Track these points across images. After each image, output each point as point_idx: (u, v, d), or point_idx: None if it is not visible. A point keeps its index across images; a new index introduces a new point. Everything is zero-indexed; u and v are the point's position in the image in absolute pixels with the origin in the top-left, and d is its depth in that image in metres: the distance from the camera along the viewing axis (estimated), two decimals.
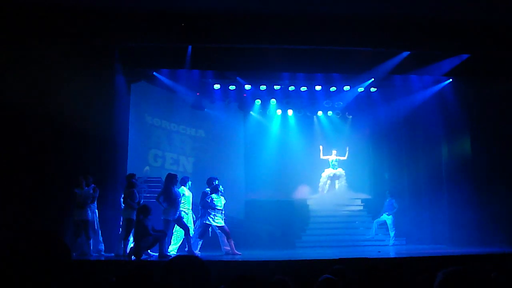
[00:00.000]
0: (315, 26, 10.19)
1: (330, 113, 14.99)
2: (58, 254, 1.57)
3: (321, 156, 14.55)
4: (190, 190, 9.95)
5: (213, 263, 7.56)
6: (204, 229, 9.68)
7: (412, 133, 14.12)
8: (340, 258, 7.49)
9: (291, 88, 13.57)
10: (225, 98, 13.84)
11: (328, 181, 14.57)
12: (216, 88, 13.39)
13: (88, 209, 9.14)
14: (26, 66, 9.24)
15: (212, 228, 9.77)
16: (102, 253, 9.35)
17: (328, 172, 14.59)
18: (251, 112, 14.78)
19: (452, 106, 12.32)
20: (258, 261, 8.34)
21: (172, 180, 9.21)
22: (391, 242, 12.37)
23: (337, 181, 14.55)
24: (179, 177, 9.74)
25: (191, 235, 9.39)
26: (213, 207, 9.58)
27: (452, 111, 12.38)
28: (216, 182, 9.92)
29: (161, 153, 13.26)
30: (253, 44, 10.62)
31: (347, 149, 14.47)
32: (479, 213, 11.20)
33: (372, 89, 13.80)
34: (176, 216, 9.05)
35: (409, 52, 11.07)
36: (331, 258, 7.72)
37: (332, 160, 14.55)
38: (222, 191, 9.86)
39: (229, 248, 9.66)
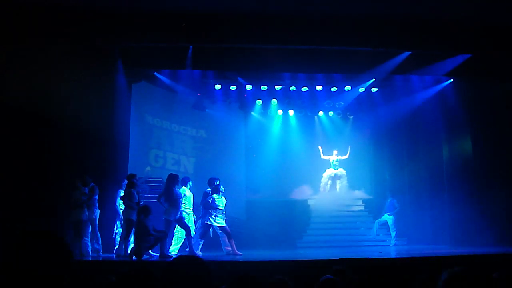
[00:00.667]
0: (315, 26, 10.20)
1: (331, 113, 14.98)
2: (59, 254, 1.57)
3: (322, 156, 14.55)
4: (191, 191, 9.95)
5: (214, 263, 7.56)
6: (205, 230, 9.68)
7: (413, 133, 14.11)
8: (341, 259, 7.48)
9: (292, 88, 13.58)
10: (226, 98, 13.84)
11: (329, 181, 14.57)
12: (217, 89, 13.40)
13: (85, 209, 9.13)
14: (27, 66, 9.24)
15: (213, 229, 9.77)
16: (100, 253, 9.35)
17: (329, 172, 14.59)
18: (252, 113, 14.78)
19: (453, 106, 12.31)
20: (259, 261, 8.34)
21: (173, 181, 9.21)
22: (392, 242, 12.36)
23: (338, 181, 14.56)
24: (180, 178, 9.74)
25: (192, 235, 9.39)
26: (214, 207, 9.58)
27: (453, 111, 12.37)
28: (217, 182, 9.92)
29: (162, 154, 13.26)
30: (254, 44, 10.62)
31: (349, 148, 14.46)
32: (480, 213, 11.19)
33: (373, 89, 13.81)
34: (177, 216, 9.06)
35: (410, 52, 11.07)
36: (332, 259, 7.71)
37: (333, 160, 14.55)
38: (223, 192, 9.86)
39: (230, 249, 9.66)
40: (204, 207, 9.77)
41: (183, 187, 9.75)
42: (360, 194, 14.49)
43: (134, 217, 8.80)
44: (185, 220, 9.35)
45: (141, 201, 9.20)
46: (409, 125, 14.11)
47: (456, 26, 10.38)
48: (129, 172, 10.36)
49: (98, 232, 9.46)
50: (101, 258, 8.98)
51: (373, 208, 13.80)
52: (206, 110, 13.97)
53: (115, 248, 9.58)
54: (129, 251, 8.73)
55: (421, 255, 9.13)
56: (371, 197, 14.43)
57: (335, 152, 14.57)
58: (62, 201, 9.42)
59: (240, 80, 13.01)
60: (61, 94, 9.51)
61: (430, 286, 2.34)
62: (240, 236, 11.04)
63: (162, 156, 13.25)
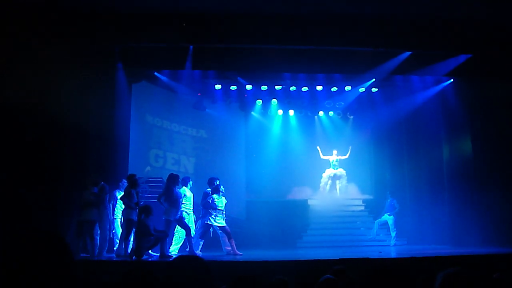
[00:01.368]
0: (316, 26, 10.20)
1: (331, 113, 14.99)
2: (59, 254, 1.57)
3: (321, 156, 14.55)
4: (191, 190, 9.95)
5: (214, 263, 7.56)
6: (205, 230, 9.69)
7: (413, 133, 14.10)
8: (341, 259, 7.48)
9: (292, 88, 13.57)
10: (226, 98, 13.84)
11: (329, 181, 14.57)
12: (217, 88, 13.40)
13: (95, 209, 9.13)
14: (27, 67, 9.25)
15: (213, 229, 9.77)
16: (104, 253, 9.37)
17: (329, 172, 14.59)
18: (252, 112, 14.78)
19: (453, 106, 12.30)
20: (259, 261, 8.34)
21: (173, 181, 9.21)
22: (392, 242, 12.35)
23: (338, 181, 14.56)
24: (181, 178, 9.74)
25: (192, 235, 9.40)
26: (214, 207, 9.58)
27: (453, 111, 12.36)
28: (217, 182, 9.92)
29: (162, 153, 13.26)
30: (254, 44, 10.62)
31: (350, 148, 14.46)
32: (480, 213, 11.19)
33: (373, 89, 13.80)
34: (177, 216, 9.06)
35: (410, 52, 11.07)
36: (332, 259, 7.71)
37: (333, 160, 14.55)
38: (223, 192, 9.86)
39: (230, 249, 9.66)
40: (204, 207, 9.77)
41: (184, 187, 9.75)
42: (360, 194, 14.49)
43: (134, 217, 8.80)
44: (185, 220, 9.35)
45: (141, 201, 9.20)
46: (409, 125, 14.11)
47: (456, 26, 10.39)
48: (129, 172, 10.37)
49: (108, 232, 9.47)
50: (103, 258, 8.98)
51: (373, 208, 13.81)
52: (206, 110, 13.97)
53: (114, 248, 9.59)
54: (129, 251, 8.73)
55: (421, 255, 9.12)
56: (371, 197, 14.43)
57: (335, 152, 14.57)
58: (61, 201, 9.42)
59: (240, 80, 13.01)
60: (61, 94, 9.51)
61: (430, 286, 2.34)
62: (240, 236, 11.04)
63: (162, 156, 13.25)
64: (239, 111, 14.72)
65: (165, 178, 9.59)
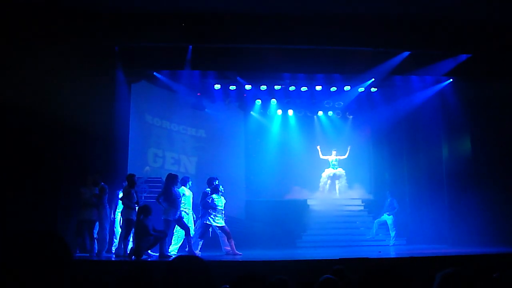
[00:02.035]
0: (315, 26, 10.20)
1: (330, 113, 14.99)
2: (59, 254, 1.57)
3: (321, 156, 14.55)
4: (190, 190, 9.95)
5: (213, 263, 7.56)
6: (204, 229, 9.68)
7: (412, 133, 14.12)
8: (340, 258, 7.48)
9: (292, 88, 13.57)
10: (226, 98, 13.84)
11: (329, 181, 14.56)
12: (216, 88, 13.39)
13: (95, 209, 9.13)
14: (27, 66, 9.25)
15: (212, 228, 9.77)
16: (105, 252, 9.36)
17: (328, 172, 14.59)
18: (251, 112, 14.77)
19: (453, 106, 12.31)
20: (258, 261, 8.34)
21: (172, 180, 9.21)
22: (392, 242, 12.36)
23: (337, 181, 14.55)
24: (180, 177, 9.74)
25: (191, 235, 9.39)
26: (213, 207, 9.57)
27: (452, 111, 12.38)
28: (217, 182, 9.92)
29: (162, 153, 13.26)
30: (253, 44, 10.62)
31: (349, 148, 14.46)
32: (479, 213, 11.19)
33: (373, 89, 13.80)
34: (176, 216, 9.05)
35: (409, 52, 11.08)
36: (332, 258, 7.72)
37: (332, 160, 14.55)
38: (223, 191, 9.86)
39: (229, 248, 9.65)
40: (204, 207, 9.77)
41: (183, 187, 9.75)
42: (359, 194, 14.48)
43: (134, 217, 8.80)
44: (184, 220, 9.35)
45: (140, 201, 9.20)
46: (408, 125, 14.12)
47: (455, 26, 10.39)
48: (128, 172, 10.37)
49: (107, 231, 9.47)
50: (102, 258, 8.98)
51: (373, 208, 13.80)
52: (206, 109, 13.97)
53: (111, 247, 9.58)
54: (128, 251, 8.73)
55: (420, 255, 9.14)
56: (370, 197, 14.43)
57: (334, 152, 14.57)
58: (61, 200, 9.42)
59: (240, 80, 13.00)
60: (60, 94, 9.50)
61: (430, 286, 2.34)
62: (239, 236, 11.03)
63: (162, 156, 13.24)
64: (238, 111, 14.71)
65: (164, 178, 9.58)
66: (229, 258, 9.18)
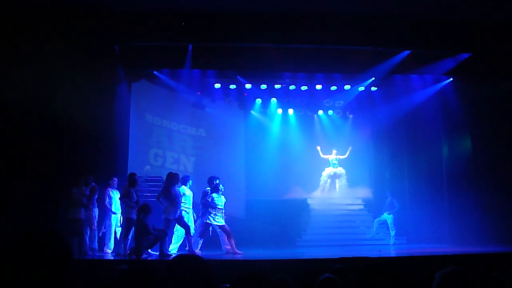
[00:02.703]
0: (315, 25, 10.20)
1: (330, 112, 14.98)
2: (59, 253, 1.57)
3: (321, 155, 14.54)
4: (190, 189, 9.96)
5: (213, 262, 7.56)
6: (204, 228, 9.68)
7: (412, 132, 14.11)
8: (340, 257, 7.49)
9: (292, 87, 13.57)
10: (226, 97, 13.84)
11: (329, 180, 14.56)
12: (216, 87, 13.40)
13: (82, 208, 9.11)
14: (27, 66, 9.24)
15: (212, 227, 9.78)
16: (95, 252, 9.35)
17: (328, 171, 14.59)
18: (251, 111, 14.77)
19: (453, 105, 12.31)
20: (258, 260, 8.34)
21: (172, 180, 9.21)
22: (392, 241, 12.36)
23: (337, 180, 14.55)
24: (180, 176, 9.74)
25: (191, 234, 9.40)
26: (213, 206, 9.57)
27: (452, 110, 12.37)
28: (217, 181, 9.92)
29: (162, 152, 13.26)
30: (253, 43, 10.62)
31: (350, 148, 14.44)
32: (479, 212, 11.19)
33: (373, 88, 13.81)
34: (177, 215, 9.06)
35: (409, 51, 11.07)
36: (332, 257, 7.72)
37: (332, 159, 14.55)
38: (223, 190, 9.86)
39: (229, 247, 9.66)
40: (204, 206, 9.77)
41: (183, 186, 9.76)
42: (359, 193, 14.48)
43: (134, 216, 8.81)
44: (184, 219, 9.35)
45: (140, 200, 9.20)
46: (408, 124, 14.11)
47: (455, 25, 10.38)
48: (128, 171, 10.37)
49: (96, 231, 9.47)
50: (103, 257, 8.98)
51: (373, 207, 13.80)
52: (206, 109, 13.97)
53: (104, 247, 9.57)
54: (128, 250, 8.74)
55: (420, 254, 9.14)
56: (370, 196, 14.44)
57: (334, 151, 14.57)
58: (62, 200, 9.42)
59: (240, 79, 13.00)
60: (60, 93, 9.51)
61: (430, 285, 2.34)
62: (239, 235, 11.03)
63: (162, 155, 13.24)
64: (238, 110, 14.71)
65: (164, 177, 9.59)
66: (229, 257, 9.18)
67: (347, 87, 13.60)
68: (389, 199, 12.78)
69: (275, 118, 14.97)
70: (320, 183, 14.60)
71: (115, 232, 9.73)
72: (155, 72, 12.01)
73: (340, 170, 14.55)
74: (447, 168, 12.74)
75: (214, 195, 9.65)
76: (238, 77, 12.92)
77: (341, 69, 12.02)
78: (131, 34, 10.17)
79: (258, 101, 14.33)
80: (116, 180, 9.83)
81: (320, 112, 15.05)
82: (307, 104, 14.47)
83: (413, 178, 13.94)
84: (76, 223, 9.04)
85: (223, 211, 9.72)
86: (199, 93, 13.57)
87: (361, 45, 10.74)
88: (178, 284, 2.03)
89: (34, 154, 9.45)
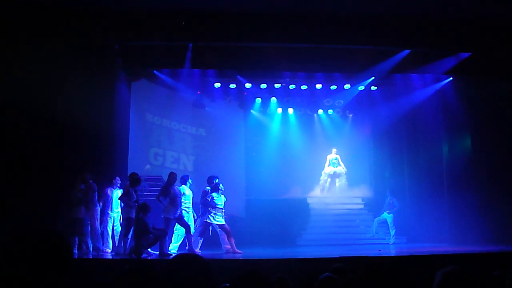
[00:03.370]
0: (315, 24, 10.19)
1: (330, 111, 14.98)
2: (60, 253, 1.57)
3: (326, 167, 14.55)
4: (190, 189, 9.96)
5: (213, 261, 7.56)
6: (204, 228, 9.69)
7: (412, 131, 14.11)
8: (340, 257, 7.49)
9: (292, 86, 13.56)
10: (226, 97, 13.84)
11: (329, 179, 14.57)
12: (216, 87, 13.40)
13: (82, 207, 9.10)
14: (27, 66, 9.24)
15: (212, 227, 9.78)
16: (99, 251, 9.34)
17: (328, 170, 14.59)
18: (251, 111, 14.77)
19: (453, 104, 12.30)
20: (258, 259, 8.34)
21: (172, 179, 9.22)
22: (392, 240, 12.36)
23: (337, 180, 14.55)
24: (180, 176, 9.74)
25: (191, 233, 9.40)
26: (213, 205, 9.58)
27: (452, 110, 12.37)
28: (217, 180, 9.92)
29: (162, 152, 13.26)
30: (253, 42, 10.62)
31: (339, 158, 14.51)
32: (479, 211, 11.20)
33: (373, 88, 13.81)
34: (176, 215, 9.07)
35: (409, 51, 11.07)
36: (332, 257, 7.73)
37: (332, 159, 14.55)
38: (223, 190, 9.86)
39: (229, 247, 9.66)
40: (204, 205, 9.77)
41: (183, 185, 9.77)
42: (359, 192, 14.48)
43: (133, 215, 8.80)
44: (184, 218, 9.36)
45: (140, 199, 9.20)
46: (408, 124, 14.11)
47: (455, 24, 10.38)
48: (128, 170, 10.38)
49: (99, 231, 9.44)
50: (106, 257, 8.98)
51: (373, 206, 13.80)
52: (206, 108, 13.97)
53: (103, 247, 9.56)
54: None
55: (420, 253, 9.13)
56: (370, 195, 14.43)
57: (334, 150, 14.58)
58: (62, 200, 9.41)
59: (240, 78, 12.99)
60: (60, 93, 9.51)
61: (430, 285, 2.34)
62: (239, 234, 11.03)
63: (162, 154, 13.25)
64: (238, 110, 14.70)
65: (164, 177, 9.60)
66: (229, 256, 9.19)
67: (347, 86, 13.60)
68: (389, 199, 12.78)
69: (275, 117, 14.97)
70: (320, 182, 14.61)
71: (113, 231, 9.72)
72: (155, 71, 12.00)
73: (340, 169, 14.55)
74: (447, 168, 12.74)
75: (214, 194, 9.66)
76: (238, 76, 12.92)
77: (341, 69, 12.02)
78: (131, 34, 10.17)
79: (258, 100, 14.33)
80: (119, 179, 9.80)
81: (320, 111, 15.05)
82: (307, 104, 14.47)
83: (413, 177, 13.94)
84: (76, 222, 9.03)
85: (223, 210, 9.72)
86: (199, 92, 13.57)
87: (361, 45, 10.74)
88: (178, 284, 2.03)
89: (34, 154, 9.44)
